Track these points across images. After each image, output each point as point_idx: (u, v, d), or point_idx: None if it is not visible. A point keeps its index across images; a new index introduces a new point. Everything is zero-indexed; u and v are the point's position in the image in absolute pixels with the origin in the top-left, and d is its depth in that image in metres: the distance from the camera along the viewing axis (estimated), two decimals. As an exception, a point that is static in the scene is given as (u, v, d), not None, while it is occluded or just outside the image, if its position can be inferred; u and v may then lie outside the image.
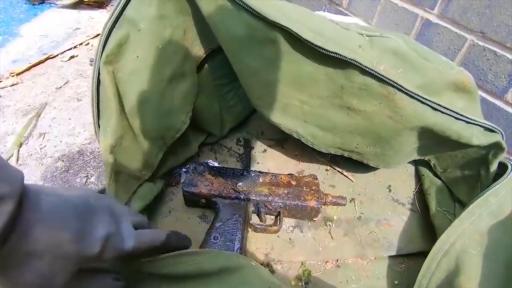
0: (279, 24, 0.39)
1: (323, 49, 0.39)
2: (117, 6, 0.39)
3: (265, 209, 0.51)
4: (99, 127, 0.43)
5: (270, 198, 0.51)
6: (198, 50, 0.52)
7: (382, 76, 0.40)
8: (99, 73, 0.40)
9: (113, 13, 0.39)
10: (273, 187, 0.52)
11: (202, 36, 0.49)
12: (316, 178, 0.55)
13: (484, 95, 0.71)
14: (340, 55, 0.39)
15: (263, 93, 0.48)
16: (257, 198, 0.50)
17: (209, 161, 0.59)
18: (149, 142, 0.46)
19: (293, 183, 0.53)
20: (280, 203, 0.51)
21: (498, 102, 0.69)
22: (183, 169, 0.58)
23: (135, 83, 0.42)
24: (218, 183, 0.52)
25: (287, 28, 0.39)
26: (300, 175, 0.56)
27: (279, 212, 0.51)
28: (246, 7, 0.39)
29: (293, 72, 0.44)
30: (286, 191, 0.51)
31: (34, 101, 1.14)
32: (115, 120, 0.40)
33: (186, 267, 0.33)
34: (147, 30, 0.40)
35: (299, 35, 0.39)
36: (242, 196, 0.50)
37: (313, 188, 0.52)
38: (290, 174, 0.56)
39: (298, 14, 0.42)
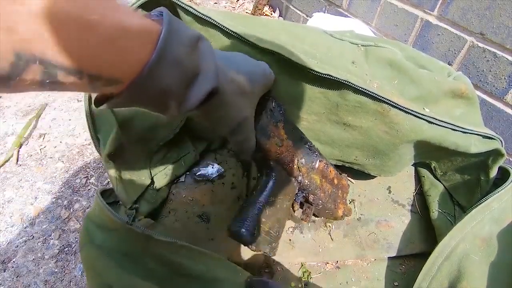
0: (269, 50, 0.40)
1: (315, 71, 0.40)
2: None
3: (303, 199, 0.44)
4: (97, 140, 0.44)
5: (318, 192, 0.43)
6: None
7: (376, 94, 0.40)
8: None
9: None
10: (323, 179, 0.45)
11: None
12: (349, 185, 0.51)
13: (484, 96, 0.71)
14: (333, 77, 0.40)
15: None
16: (308, 187, 0.42)
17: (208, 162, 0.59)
18: (136, 150, 0.48)
19: (335, 181, 0.47)
20: (321, 201, 0.44)
21: (498, 104, 0.69)
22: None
23: None
24: (287, 147, 0.40)
25: (278, 53, 0.40)
26: (341, 173, 0.50)
27: (312, 206, 0.43)
28: (236, 35, 0.40)
29: (288, 91, 0.45)
30: (330, 190, 0.45)
31: (34, 101, 1.14)
32: (115, 131, 0.42)
33: (196, 265, 0.34)
34: None
35: (290, 60, 0.40)
36: (300, 179, 0.41)
37: (344, 195, 0.49)
38: (336, 167, 0.48)
39: (288, 34, 0.43)
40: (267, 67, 0.35)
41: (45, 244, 0.72)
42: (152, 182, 0.51)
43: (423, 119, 0.42)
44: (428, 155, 0.53)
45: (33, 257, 0.69)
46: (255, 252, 0.44)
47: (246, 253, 0.47)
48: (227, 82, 0.28)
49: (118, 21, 0.18)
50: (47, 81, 0.17)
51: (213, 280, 0.35)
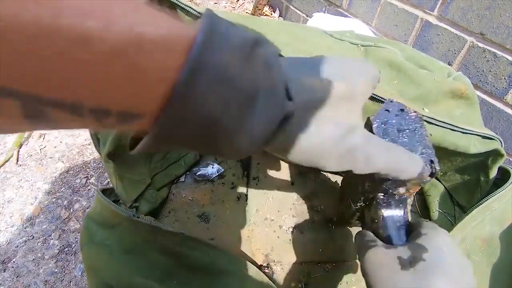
0: None
1: None
2: None
3: None
4: (97, 139, 0.44)
5: None
6: None
7: (375, 95, 0.41)
8: None
9: None
10: None
11: None
12: None
13: (484, 96, 0.71)
14: None
15: None
16: None
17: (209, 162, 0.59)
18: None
19: None
20: None
21: (498, 104, 0.69)
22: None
23: None
24: None
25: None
26: None
27: None
28: None
29: None
30: None
31: (34, 101, 1.15)
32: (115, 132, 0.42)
33: (202, 256, 0.35)
34: None
35: None
36: None
37: None
38: None
39: (288, 34, 0.43)
40: (365, 60, 0.25)
41: (45, 244, 0.71)
42: (152, 182, 0.51)
43: (422, 119, 0.42)
44: (428, 155, 0.53)
45: (33, 257, 0.69)
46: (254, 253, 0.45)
47: (246, 252, 0.47)
48: (303, 92, 0.19)
49: (128, 29, 0.12)
50: (36, 119, 0.12)
51: (218, 273, 0.35)
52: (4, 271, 0.67)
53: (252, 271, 0.38)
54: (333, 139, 0.20)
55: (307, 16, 1.32)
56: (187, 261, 0.35)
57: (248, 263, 0.39)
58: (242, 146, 0.17)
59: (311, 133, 0.19)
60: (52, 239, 0.73)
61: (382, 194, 0.29)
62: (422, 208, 0.56)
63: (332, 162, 0.21)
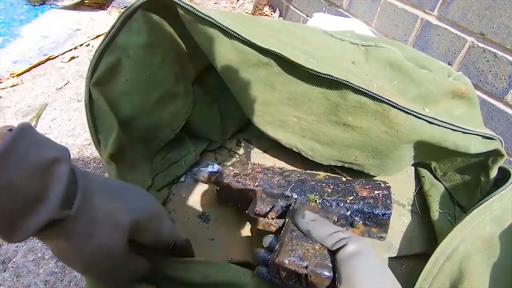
0: (270, 50, 0.40)
1: (315, 71, 0.40)
2: (109, 32, 0.41)
3: None
4: (98, 140, 0.45)
5: None
6: (193, 68, 0.52)
7: (376, 94, 0.40)
8: (90, 93, 0.42)
9: (105, 38, 0.41)
10: None
11: (196, 55, 0.49)
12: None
13: (484, 96, 0.71)
14: (333, 77, 0.40)
15: (260, 111, 0.49)
16: None
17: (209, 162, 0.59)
18: (137, 151, 0.48)
19: None
20: None
21: (498, 104, 0.69)
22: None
23: (123, 102, 0.44)
24: None
25: (279, 53, 0.40)
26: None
27: None
28: (237, 35, 0.40)
29: (288, 91, 0.45)
30: None
31: (34, 102, 1.14)
32: (116, 132, 0.42)
33: (192, 275, 0.34)
34: (136, 57, 0.42)
35: (291, 60, 0.40)
36: None
37: None
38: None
39: (289, 34, 0.43)
40: (161, 208, 0.31)
41: (45, 244, 0.72)
42: (153, 182, 0.51)
43: (423, 119, 0.42)
44: (428, 155, 0.53)
45: (33, 257, 0.69)
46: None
47: (246, 252, 0.47)
48: (87, 209, 0.23)
49: None
50: None
51: (214, 286, 0.35)
52: (4, 271, 0.67)
53: (250, 274, 0.38)
54: (89, 254, 0.24)
55: (307, 16, 1.32)
56: (179, 281, 0.34)
57: (245, 269, 0.39)
58: (15, 238, 0.20)
59: (76, 240, 0.23)
60: (52, 239, 0.73)
61: None
62: (422, 208, 0.56)
63: (78, 267, 0.25)
